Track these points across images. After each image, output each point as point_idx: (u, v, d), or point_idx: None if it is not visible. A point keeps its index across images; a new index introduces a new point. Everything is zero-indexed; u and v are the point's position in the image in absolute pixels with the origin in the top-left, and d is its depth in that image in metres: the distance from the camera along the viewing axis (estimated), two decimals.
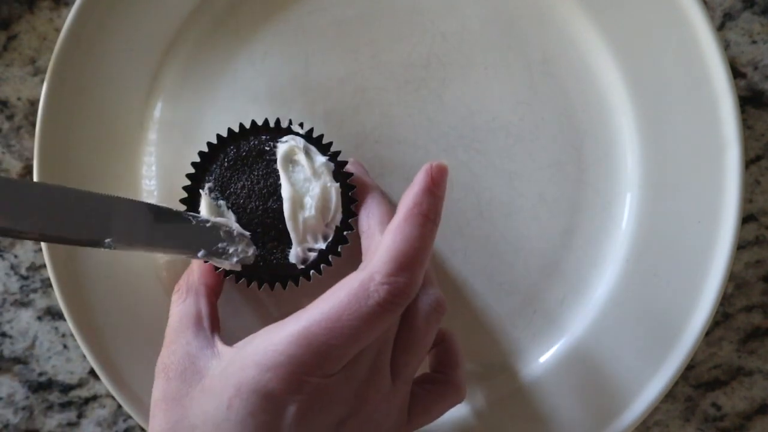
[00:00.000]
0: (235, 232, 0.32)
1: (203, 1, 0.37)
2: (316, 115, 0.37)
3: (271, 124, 0.33)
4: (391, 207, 0.33)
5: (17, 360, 0.41)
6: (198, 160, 0.33)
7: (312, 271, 0.33)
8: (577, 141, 0.37)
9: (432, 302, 0.30)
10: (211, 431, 0.28)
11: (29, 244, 0.41)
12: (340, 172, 0.33)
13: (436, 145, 0.37)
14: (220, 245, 0.31)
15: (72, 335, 0.39)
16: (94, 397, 0.41)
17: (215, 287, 0.33)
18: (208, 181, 0.33)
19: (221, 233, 0.32)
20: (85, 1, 0.35)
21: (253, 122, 0.33)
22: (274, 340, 0.28)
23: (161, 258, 0.37)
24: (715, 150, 0.35)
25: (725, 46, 0.40)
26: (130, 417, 0.41)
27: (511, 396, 0.37)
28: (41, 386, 0.41)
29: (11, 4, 0.39)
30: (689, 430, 0.42)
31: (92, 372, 0.41)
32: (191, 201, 0.33)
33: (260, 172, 0.33)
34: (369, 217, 0.32)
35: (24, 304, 0.41)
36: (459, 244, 0.37)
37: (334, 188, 0.32)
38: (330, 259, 0.33)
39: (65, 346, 0.41)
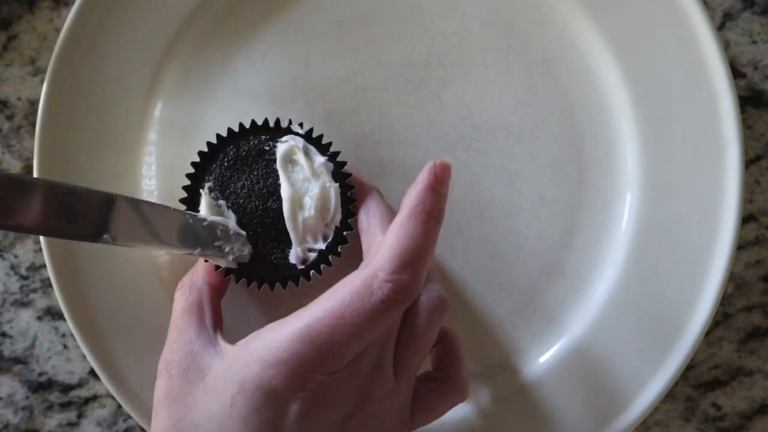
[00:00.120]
0: (231, 231, 0.32)
1: (203, 1, 0.37)
2: (316, 115, 0.37)
3: (271, 124, 0.33)
4: (390, 207, 0.33)
5: (17, 360, 0.41)
6: (198, 159, 0.33)
7: (312, 272, 0.33)
8: (577, 141, 0.37)
9: (434, 300, 0.30)
10: (214, 429, 0.28)
11: (29, 244, 0.41)
12: (338, 173, 0.33)
13: (436, 145, 0.37)
14: (216, 243, 0.32)
15: (72, 335, 0.39)
16: (94, 397, 0.41)
17: (218, 286, 0.34)
18: (208, 181, 0.33)
19: (218, 232, 0.32)
20: (85, 1, 0.35)
21: (253, 122, 0.33)
22: (278, 338, 0.28)
23: (162, 258, 0.37)
24: (715, 150, 0.35)
25: (725, 46, 0.40)
26: (130, 417, 0.41)
27: (511, 396, 0.37)
28: (41, 386, 0.41)
29: (11, 4, 0.39)
30: (689, 430, 0.42)
31: (92, 372, 0.41)
32: (191, 201, 0.33)
33: (260, 172, 0.33)
34: (369, 216, 0.32)
35: (24, 304, 0.41)
36: (459, 244, 0.37)
37: (333, 188, 0.32)
38: (330, 259, 0.33)
39: (65, 346, 0.41)
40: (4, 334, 0.41)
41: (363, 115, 0.37)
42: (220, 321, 0.33)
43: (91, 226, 0.26)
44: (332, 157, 0.33)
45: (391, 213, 0.33)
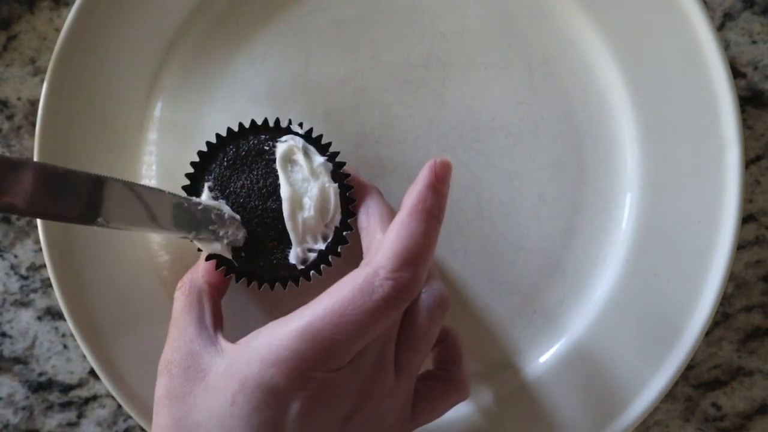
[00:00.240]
0: (226, 215, 0.32)
1: (203, 1, 0.37)
2: (316, 115, 0.37)
3: (271, 124, 0.33)
4: (389, 206, 0.33)
5: (17, 360, 0.41)
6: (197, 159, 0.33)
7: (312, 272, 0.33)
8: (577, 141, 0.37)
9: (436, 298, 0.30)
10: (216, 427, 0.28)
11: (29, 244, 0.41)
12: (338, 173, 0.33)
13: (436, 145, 0.37)
14: (211, 227, 0.32)
15: (72, 335, 0.39)
16: (94, 397, 0.41)
17: (219, 285, 0.34)
18: (208, 181, 0.33)
19: (212, 215, 0.32)
20: (85, 1, 0.35)
21: (253, 122, 0.33)
22: (279, 336, 0.28)
23: (162, 258, 0.37)
24: (715, 150, 0.35)
25: (725, 46, 0.40)
26: (130, 417, 0.41)
27: (511, 396, 0.37)
28: (41, 386, 0.41)
29: (11, 4, 0.39)
30: (689, 430, 0.42)
31: (92, 372, 0.41)
32: None
33: (260, 172, 0.33)
34: (369, 215, 0.32)
35: (24, 304, 0.41)
36: (459, 244, 0.37)
37: (332, 189, 0.32)
38: (330, 259, 0.33)
39: (65, 346, 0.41)
40: (4, 334, 0.41)
41: (363, 115, 0.37)
42: (221, 320, 0.33)
43: (84, 207, 0.26)
44: (331, 157, 0.33)
45: (391, 212, 0.33)
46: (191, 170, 0.33)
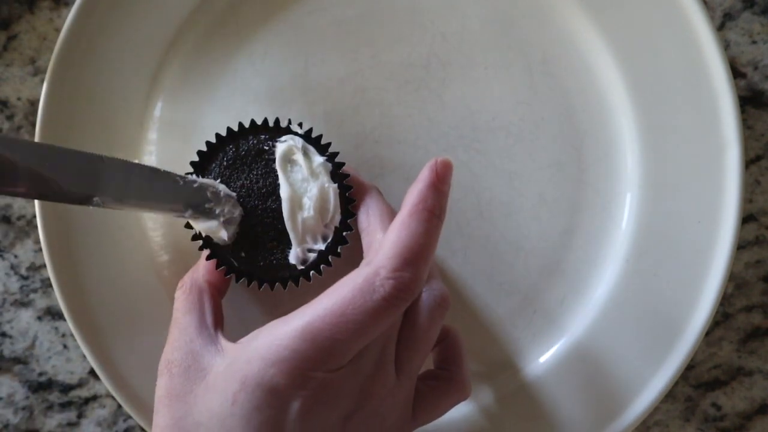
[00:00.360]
0: (221, 193, 0.32)
1: (203, 1, 0.37)
2: (316, 115, 0.37)
3: (271, 124, 0.33)
4: (389, 206, 0.33)
5: (17, 360, 0.41)
6: (197, 159, 0.33)
7: (312, 272, 0.33)
8: (577, 141, 0.37)
9: (436, 298, 0.30)
10: (216, 427, 0.28)
11: (29, 244, 0.41)
12: (337, 173, 0.33)
13: (436, 145, 0.37)
14: (207, 205, 0.31)
15: (72, 335, 0.39)
16: (94, 397, 0.41)
17: (219, 285, 0.33)
18: None
19: (208, 193, 0.31)
20: (85, 1, 0.35)
21: (253, 121, 0.33)
22: (279, 335, 0.28)
23: (162, 257, 0.37)
24: (715, 150, 0.35)
25: (725, 46, 0.40)
26: (130, 417, 0.41)
27: (511, 396, 0.37)
28: (41, 386, 0.41)
29: (11, 4, 0.39)
30: (689, 430, 0.42)
31: (92, 372, 0.41)
32: None
33: (259, 172, 0.33)
34: (369, 214, 0.32)
35: (24, 304, 0.41)
36: (459, 244, 0.37)
37: (332, 189, 0.32)
38: (330, 259, 0.33)
39: (65, 346, 0.41)
40: (4, 334, 0.41)
41: (363, 115, 0.37)
42: (221, 320, 0.33)
43: (80, 186, 0.25)
44: (331, 157, 0.33)
45: (391, 212, 0.33)
46: (191, 170, 0.33)
